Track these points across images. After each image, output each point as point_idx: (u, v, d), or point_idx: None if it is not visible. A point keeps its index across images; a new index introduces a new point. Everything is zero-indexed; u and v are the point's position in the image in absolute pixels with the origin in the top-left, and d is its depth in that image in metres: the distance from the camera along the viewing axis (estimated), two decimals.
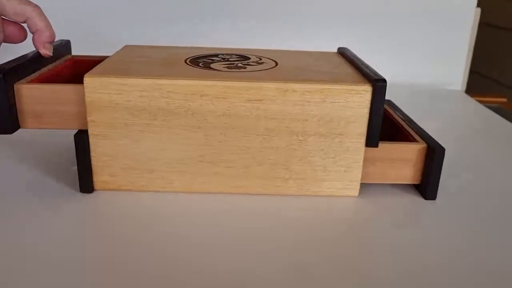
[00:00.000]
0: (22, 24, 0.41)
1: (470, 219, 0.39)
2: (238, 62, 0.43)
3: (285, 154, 0.39)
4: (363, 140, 0.39)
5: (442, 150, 0.39)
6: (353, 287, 0.30)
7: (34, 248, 0.32)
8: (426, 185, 0.41)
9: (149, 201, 0.39)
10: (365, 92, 0.38)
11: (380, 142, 0.39)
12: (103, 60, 0.42)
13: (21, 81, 0.38)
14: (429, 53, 0.79)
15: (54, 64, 0.44)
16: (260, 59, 0.45)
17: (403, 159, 0.41)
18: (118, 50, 0.47)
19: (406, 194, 0.42)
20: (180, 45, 0.50)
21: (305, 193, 0.40)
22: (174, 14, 0.76)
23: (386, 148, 0.40)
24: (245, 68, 0.41)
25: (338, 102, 0.38)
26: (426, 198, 0.41)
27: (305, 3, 0.77)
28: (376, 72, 0.39)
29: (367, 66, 0.41)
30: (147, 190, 0.40)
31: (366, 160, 0.40)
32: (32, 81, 0.39)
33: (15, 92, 0.37)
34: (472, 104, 0.73)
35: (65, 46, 0.47)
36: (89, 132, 0.38)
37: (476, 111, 0.69)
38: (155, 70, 0.39)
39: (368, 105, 0.38)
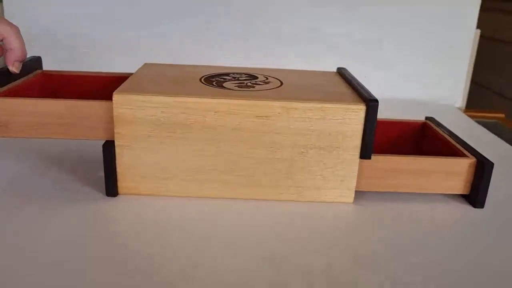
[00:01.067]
0: None
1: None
2: (247, 81, 0.48)
3: (288, 164, 0.44)
4: (358, 152, 0.44)
5: (491, 164, 0.44)
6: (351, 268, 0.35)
7: (67, 243, 0.37)
8: (476, 195, 0.46)
9: (166, 204, 0.44)
10: (359, 110, 0.42)
11: (433, 157, 0.45)
12: (71, 75, 0.49)
13: None
14: (430, 72, 0.85)
15: (24, 78, 0.49)
16: (267, 79, 0.50)
17: (454, 172, 0.46)
18: (139, 67, 0.52)
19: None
20: (194, 64, 0.55)
21: (305, 200, 0.45)
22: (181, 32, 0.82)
23: (439, 162, 0.45)
24: (253, 87, 0.46)
25: (336, 119, 0.43)
26: (475, 207, 0.46)
27: (312, 28, 0.83)
28: (370, 92, 0.44)
29: (362, 87, 0.46)
30: (165, 195, 0.45)
31: (420, 172, 0.45)
32: (4, 93, 0.44)
33: None
34: (465, 121, 0.78)
35: (36, 61, 0.52)
36: (116, 143, 0.43)
37: (470, 129, 0.73)
38: (174, 88, 0.44)
39: (362, 122, 0.43)
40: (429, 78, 0.85)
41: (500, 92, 1.27)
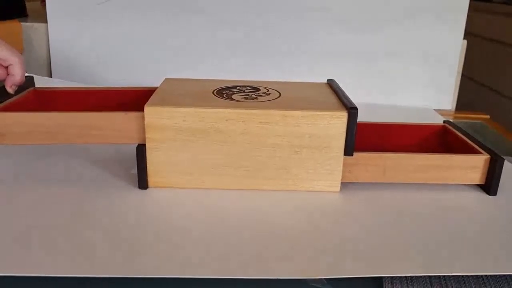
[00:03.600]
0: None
1: None
2: (252, 93, 0.58)
3: (286, 161, 0.54)
4: (342, 151, 0.54)
5: (502, 160, 0.55)
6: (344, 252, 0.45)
7: (107, 228, 0.47)
8: (491, 185, 0.56)
9: (188, 194, 0.54)
10: (342, 116, 0.53)
11: (455, 154, 0.57)
12: (62, 91, 0.60)
13: None
14: (421, 80, 0.95)
15: (18, 95, 0.59)
16: (268, 90, 0.60)
17: (473, 166, 0.56)
18: (161, 82, 0.62)
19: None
20: (205, 78, 0.65)
21: (300, 189, 0.56)
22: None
23: (461, 158, 0.56)
24: (257, 98, 0.56)
25: (324, 124, 0.53)
26: (489, 194, 0.57)
27: (305, 42, 0.93)
28: (352, 101, 0.55)
29: (346, 97, 0.57)
30: (187, 187, 0.55)
31: (451, 167, 0.56)
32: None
33: None
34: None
35: (29, 81, 0.62)
36: (146, 145, 0.54)
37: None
38: (193, 100, 0.55)
39: (345, 126, 0.53)
40: (420, 84, 0.95)
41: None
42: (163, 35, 0.93)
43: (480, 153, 0.57)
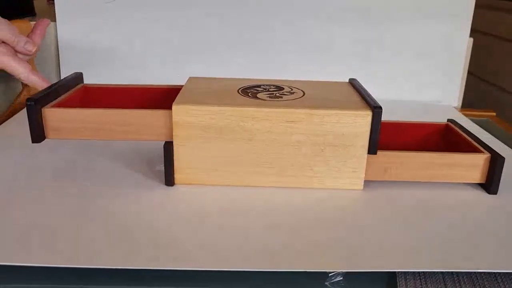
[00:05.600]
0: None
1: None
2: (276, 92, 0.59)
3: (310, 159, 0.55)
4: (365, 150, 0.55)
5: (503, 159, 0.55)
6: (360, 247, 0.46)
7: (137, 220, 0.49)
8: (491, 183, 0.56)
9: (213, 191, 0.55)
10: (367, 115, 0.53)
11: (455, 153, 0.57)
12: (109, 87, 0.61)
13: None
14: (428, 77, 0.95)
15: (70, 91, 0.61)
16: (292, 89, 0.61)
17: (473, 165, 0.57)
18: (186, 81, 0.63)
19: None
20: (230, 77, 0.66)
21: (324, 187, 0.56)
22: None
23: (461, 157, 0.56)
24: (281, 97, 0.57)
25: (348, 123, 0.54)
26: (489, 193, 0.57)
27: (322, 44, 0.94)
28: (375, 100, 0.55)
29: (369, 96, 0.57)
30: (212, 184, 0.56)
31: (452, 165, 0.56)
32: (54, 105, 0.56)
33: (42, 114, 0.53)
34: (463, 120, 0.88)
35: (78, 77, 0.64)
36: (174, 143, 0.55)
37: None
38: (219, 99, 0.56)
39: (369, 125, 0.54)
40: (428, 80, 0.96)
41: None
42: (173, 34, 0.94)
43: (481, 152, 0.57)
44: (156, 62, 0.95)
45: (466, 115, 0.89)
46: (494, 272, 0.43)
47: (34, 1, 1.08)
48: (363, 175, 0.56)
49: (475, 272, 0.43)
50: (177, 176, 0.56)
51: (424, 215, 0.52)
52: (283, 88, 0.61)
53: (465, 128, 0.64)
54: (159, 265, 0.42)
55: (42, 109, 0.54)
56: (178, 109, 0.54)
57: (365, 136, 0.54)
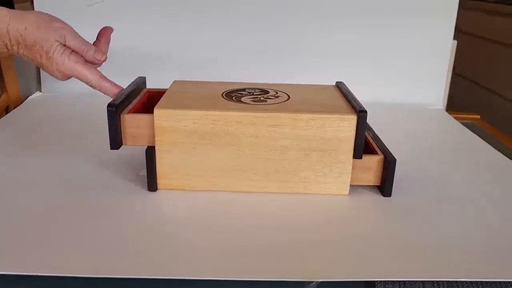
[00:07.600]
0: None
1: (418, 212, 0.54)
2: (260, 96, 0.58)
3: (295, 164, 0.54)
4: (351, 154, 0.54)
5: (394, 160, 0.54)
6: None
7: (118, 227, 0.48)
8: (384, 186, 0.56)
9: (197, 197, 0.54)
10: (352, 119, 0.53)
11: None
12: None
13: (124, 111, 0.54)
14: (414, 79, 0.95)
15: (138, 97, 0.60)
16: (277, 93, 0.60)
17: (369, 167, 0.56)
18: (170, 84, 0.62)
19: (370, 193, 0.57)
20: (215, 80, 0.66)
21: (309, 192, 0.56)
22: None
23: (357, 160, 0.55)
24: (266, 101, 0.56)
25: (333, 127, 0.53)
26: (384, 196, 0.56)
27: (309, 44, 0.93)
28: (361, 104, 0.55)
29: (355, 100, 0.57)
30: (196, 189, 0.55)
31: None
32: (129, 111, 0.54)
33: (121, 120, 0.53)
34: (451, 122, 0.88)
35: (143, 82, 0.63)
36: (156, 148, 0.54)
37: (455, 129, 0.83)
38: (202, 103, 0.55)
39: (354, 129, 0.53)
40: (413, 83, 0.95)
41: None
42: (154, 38, 0.93)
43: (376, 153, 0.56)
44: (144, 65, 0.93)
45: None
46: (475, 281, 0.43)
47: (16, 4, 1.06)
48: (349, 180, 0.55)
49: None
50: (160, 181, 0.55)
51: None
52: (268, 92, 0.61)
53: (372, 129, 0.63)
54: (137, 273, 0.41)
55: (121, 115, 0.53)
56: (160, 114, 0.53)
57: (351, 140, 0.53)
